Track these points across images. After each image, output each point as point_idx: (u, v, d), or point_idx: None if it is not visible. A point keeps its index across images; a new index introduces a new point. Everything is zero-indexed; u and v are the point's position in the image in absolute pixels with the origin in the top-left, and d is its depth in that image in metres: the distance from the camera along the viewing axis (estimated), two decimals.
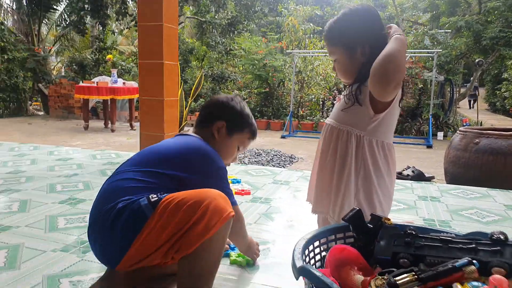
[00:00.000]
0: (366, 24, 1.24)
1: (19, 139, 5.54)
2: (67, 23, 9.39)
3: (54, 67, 12.48)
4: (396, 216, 1.96)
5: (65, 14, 10.73)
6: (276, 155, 4.93)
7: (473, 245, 0.86)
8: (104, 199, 1.06)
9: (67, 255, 1.46)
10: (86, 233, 1.12)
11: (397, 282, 0.78)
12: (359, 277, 0.88)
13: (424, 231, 0.99)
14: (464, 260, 0.78)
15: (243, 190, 2.34)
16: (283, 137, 7.50)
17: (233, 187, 2.41)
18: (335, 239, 1.07)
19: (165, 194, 1.02)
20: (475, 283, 0.76)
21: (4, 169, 2.83)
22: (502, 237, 0.86)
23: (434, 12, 8.74)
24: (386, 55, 1.09)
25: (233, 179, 2.61)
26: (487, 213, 2.13)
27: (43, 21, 10.67)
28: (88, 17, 8.86)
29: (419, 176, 3.13)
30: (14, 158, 3.25)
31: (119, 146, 5.59)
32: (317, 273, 0.77)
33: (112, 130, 7.02)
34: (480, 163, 2.95)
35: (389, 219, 1.01)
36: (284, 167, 4.23)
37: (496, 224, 1.97)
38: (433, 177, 3.24)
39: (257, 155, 4.84)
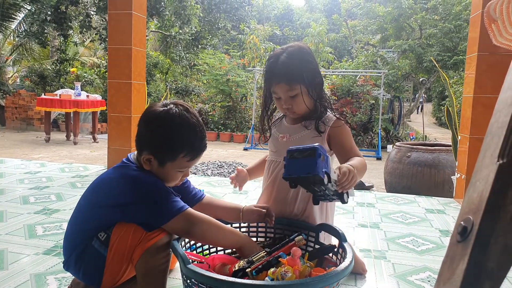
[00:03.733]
0: (314, 61, 1.37)
1: None
2: (27, 33, 9.26)
3: (10, 77, 12.10)
4: (336, 219, 2.33)
5: (24, 24, 10.53)
6: (237, 167, 5.25)
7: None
8: (67, 237, 1.22)
9: (49, 257, 1.65)
10: (63, 240, 1.28)
11: (253, 258, 1.07)
12: (227, 267, 1.16)
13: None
14: (296, 234, 1.17)
15: None
16: (245, 149, 7.85)
17: None
18: None
19: (110, 230, 1.12)
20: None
21: None
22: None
23: (383, 34, 9.60)
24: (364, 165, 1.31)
25: None
26: (410, 216, 2.56)
27: (0, 30, 10.39)
28: (50, 28, 8.81)
29: (359, 185, 3.57)
30: None
31: (83, 159, 5.66)
32: (177, 247, 1.05)
33: (75, 143, 7.03)
34: (411, 174, 3.43)
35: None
36: None
37: (415, 225, 2.38)
38: (372, 186, 3.70)
39: (219, 167, 5.14)
